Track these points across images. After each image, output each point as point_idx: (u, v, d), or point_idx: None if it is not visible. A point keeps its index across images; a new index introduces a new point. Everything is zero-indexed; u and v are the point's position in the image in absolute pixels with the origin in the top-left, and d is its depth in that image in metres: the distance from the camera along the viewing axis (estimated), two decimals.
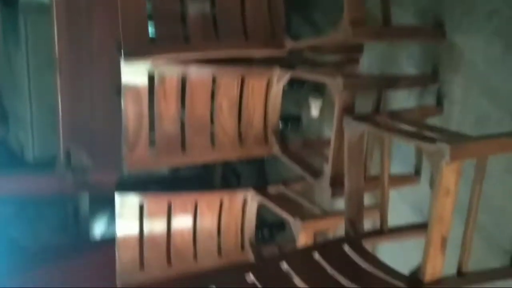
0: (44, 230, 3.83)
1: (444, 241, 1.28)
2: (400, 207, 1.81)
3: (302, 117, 2.46)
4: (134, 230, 1.96)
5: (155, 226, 1.99)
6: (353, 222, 1.57)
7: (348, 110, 1.52)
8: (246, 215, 2.19)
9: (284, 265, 1.44)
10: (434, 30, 1.65)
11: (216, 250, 2.16)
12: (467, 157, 1.23)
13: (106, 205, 3.89)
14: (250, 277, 1.39)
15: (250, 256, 2.19)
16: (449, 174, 1.19)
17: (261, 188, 2.12)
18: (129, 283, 2.04)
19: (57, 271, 3.26)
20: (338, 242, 1.54)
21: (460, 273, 1.36)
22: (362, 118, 1.46)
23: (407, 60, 1.79)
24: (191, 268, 2.12)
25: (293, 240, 1.88)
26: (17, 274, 3.15)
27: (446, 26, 1.63)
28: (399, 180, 1.76)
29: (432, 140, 1.21)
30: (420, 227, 1.74)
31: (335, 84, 1.52)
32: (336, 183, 1.60)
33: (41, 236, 3.83)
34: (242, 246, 2.21)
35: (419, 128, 1.50)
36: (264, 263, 1.44)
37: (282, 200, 2.04)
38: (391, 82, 1.61)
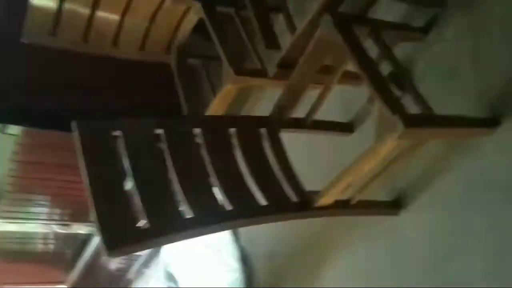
0: None
1: (348, 186, 1.31)
2: (331, 102, 1.76)
3: None
4: None
5: None
6: (282, 109, 1.52)
7: (334, 4, 1.31)
8: (183, 23, 1.99)
9: (196, 131, 1.40)
10: None
11: (139, 43, 2.00)
12: (415, 139, 1.18)
13: None
14: (159, 132, 1.35)
15: (172, 62, 2.08)
16: (388, 145, 1.15)
17: (210, 5, 1.89)
18: (35, 42, 1.86)
19: None
20: (258, 123, 1.50)
21: (347, 204, 1.44)
22: (341, 25, 1.27)
23: None
24: (107, 52, 1.97)
25: None
26: None
27: None
28: (344, 78, 1.67)
29: (393, 107, 1.12)
30: (341, 128, 1.76)
31: None
32: (284, 66, 1.48)
33: None
34: (168, 50, 2.07)
35: (389, 61, 1.36)
36: (178, 124, 1.38)
37: (226, 31, 1.85)
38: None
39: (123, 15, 1.84)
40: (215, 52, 1.81)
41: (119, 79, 2.20)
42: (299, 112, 1.59)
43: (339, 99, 1.78)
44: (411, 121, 1.09)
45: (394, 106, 1.13)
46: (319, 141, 1.77)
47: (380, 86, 1.16)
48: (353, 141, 1.74)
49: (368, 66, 1.20)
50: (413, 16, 1.53)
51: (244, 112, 1.95)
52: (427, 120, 1.15)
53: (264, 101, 1.97)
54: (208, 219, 1.20)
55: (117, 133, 1.30)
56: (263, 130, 1.50)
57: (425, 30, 1.50)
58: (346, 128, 1.75)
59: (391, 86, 1.27)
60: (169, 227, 1.16)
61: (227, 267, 2.36)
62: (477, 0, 1.42)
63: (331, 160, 1.83)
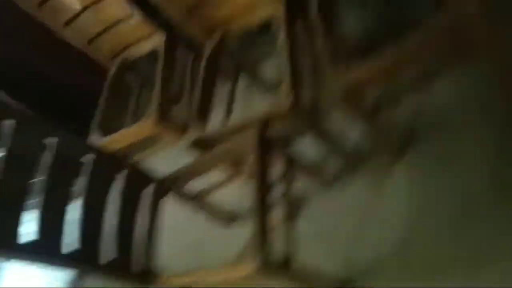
0: None
1: (192, 283, 1.34)
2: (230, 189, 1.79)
3: None
4: None
5: None
6: (179, 177, 1.54)
7: (266, 123, 1.37)
8: (141, 43, 1.96)
9: (88, 158, 1.36)
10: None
11: (90, 37, 1.94)
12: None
13: None
14: (49, 142, 1.29)
15: (111, 69, 2.03)
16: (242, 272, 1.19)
17: (173, 42, 1.89)
18: None
19: None
20: (148, 179, 1.50)
21: None
22: (263, 143, 1.34)
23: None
24: (56, 28, 1.90)
25: None
26: None
27: None
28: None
29: (259, 242, 1.17)
30: (224, 216, 1.79)
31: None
32: (201, 143, 1.51)
33: None
34: (114, 56, 2.02)
35: (285, 195, 1.42)
36: (73, 142, 1.34)
37: (173, 71, 1.86)
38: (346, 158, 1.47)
39: (87, 6, 1.79)
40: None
41: (57, 54, 2.12)
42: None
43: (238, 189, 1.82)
44: (264, 268, 1.15)
45: (262, 242, 1.18)
46: (198, 218, 1.79)
47: (260, 218, 1.22)
48: (229, 232, 1.77)
49: (261, 195, 1.26)
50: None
51: (148, 152, 1.94)
52: (281, 269, 1.21)
53: (171, 152, 1.96)
54: (48, 251, 1.16)
55: (7, 122, 1.23)
56: (150, 188, 1.50)
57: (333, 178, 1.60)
58: (228, 217, 1.78)
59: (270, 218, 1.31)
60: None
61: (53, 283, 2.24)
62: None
63: (199, 239, 1.85)
